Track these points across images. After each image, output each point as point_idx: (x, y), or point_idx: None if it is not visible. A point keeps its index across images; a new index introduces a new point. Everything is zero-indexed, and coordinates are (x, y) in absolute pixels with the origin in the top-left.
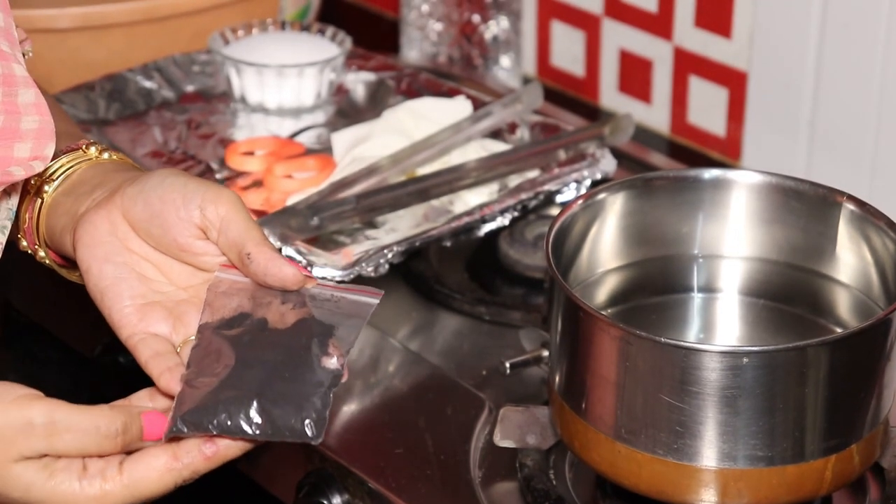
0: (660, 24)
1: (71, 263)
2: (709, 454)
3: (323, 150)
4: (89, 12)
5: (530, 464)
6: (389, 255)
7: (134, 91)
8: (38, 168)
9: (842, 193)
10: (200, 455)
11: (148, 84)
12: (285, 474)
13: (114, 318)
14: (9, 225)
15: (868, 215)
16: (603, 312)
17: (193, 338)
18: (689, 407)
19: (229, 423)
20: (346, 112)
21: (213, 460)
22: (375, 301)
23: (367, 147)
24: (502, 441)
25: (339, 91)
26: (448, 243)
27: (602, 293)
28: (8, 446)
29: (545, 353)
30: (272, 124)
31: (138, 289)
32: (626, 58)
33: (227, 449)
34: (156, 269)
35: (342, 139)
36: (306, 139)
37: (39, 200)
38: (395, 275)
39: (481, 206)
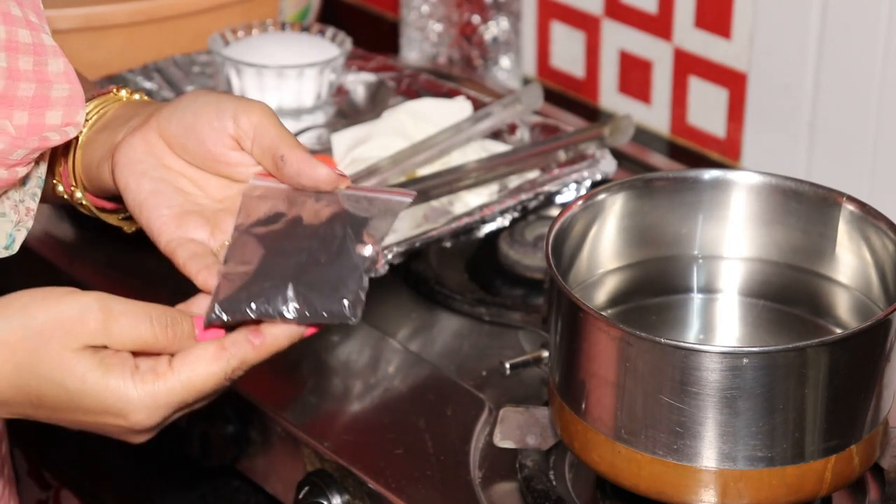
0: (660, 24)
1: (110, 202)
2: (709, 455)
3: (323, 151)
4: (89, 13)
5: (530, 464)
6: (389, 256)
7: None
8: (72, 133)
9: (841, 194)
10: (248, 344)
11: (148, 85)
12: (285, 474)
13: (152, 227)
14: (39, 192)
15: (868, 216)
16: (603, 313)
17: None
18: (688, 408)
19: (267, 306)
20: (346, 113)
21: (261, 350)
22: (408, 200)
23: (367, 148)
24: (502, 442)
25: (339, 92)
26: (448, 244)
27: (602, 294)
28: (67, 334)
29: (545, 354)
30: None
31: (175, 199)
32: (626, 58)
33: (275, 339)
34: (192, 183)
35: (342, 140)
36: (306, 140)
37: (74, 141)
38: (395, 276)
39: (481, 207)
